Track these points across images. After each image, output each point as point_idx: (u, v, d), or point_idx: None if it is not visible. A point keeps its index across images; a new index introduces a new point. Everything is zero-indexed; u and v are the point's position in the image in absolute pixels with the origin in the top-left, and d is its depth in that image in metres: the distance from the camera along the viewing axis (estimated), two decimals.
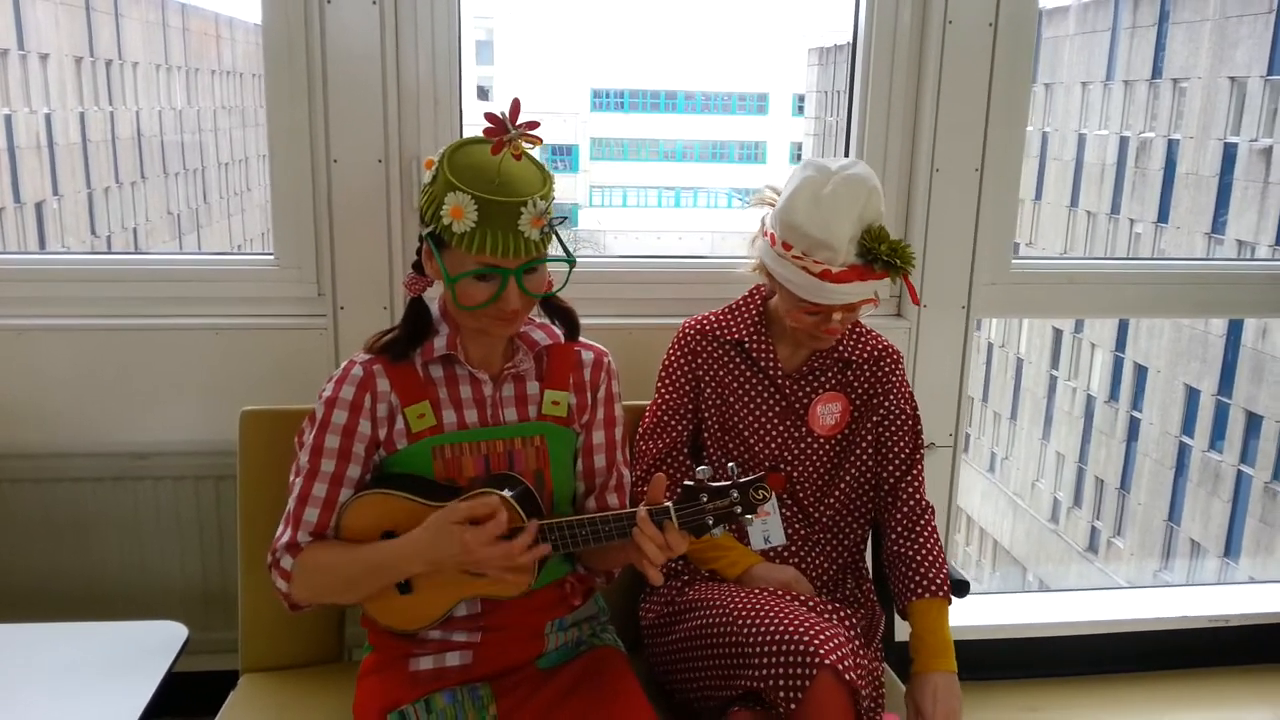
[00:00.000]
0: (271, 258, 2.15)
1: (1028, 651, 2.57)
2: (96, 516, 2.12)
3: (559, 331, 1.56)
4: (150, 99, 20.61)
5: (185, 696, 1.58)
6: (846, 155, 2.30)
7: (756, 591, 1.58)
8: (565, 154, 28.02)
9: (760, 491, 1.30)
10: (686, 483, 1.31)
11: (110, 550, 2.14)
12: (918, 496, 1.80)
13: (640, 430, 1.79)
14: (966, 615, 2.53)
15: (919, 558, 1.73)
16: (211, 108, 22.32)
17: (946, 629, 1.70)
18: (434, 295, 1.52)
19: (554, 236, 1.42)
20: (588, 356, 1.58)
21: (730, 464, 1.33)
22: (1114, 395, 16.73)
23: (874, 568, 1.90)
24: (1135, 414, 16.24)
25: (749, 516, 1.32)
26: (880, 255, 1.61)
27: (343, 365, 1.48)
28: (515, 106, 1.37)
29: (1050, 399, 18.35)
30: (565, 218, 1.41)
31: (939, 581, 1.71)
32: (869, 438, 1.79)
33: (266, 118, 2.06)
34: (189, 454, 2.11)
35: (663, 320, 2.08)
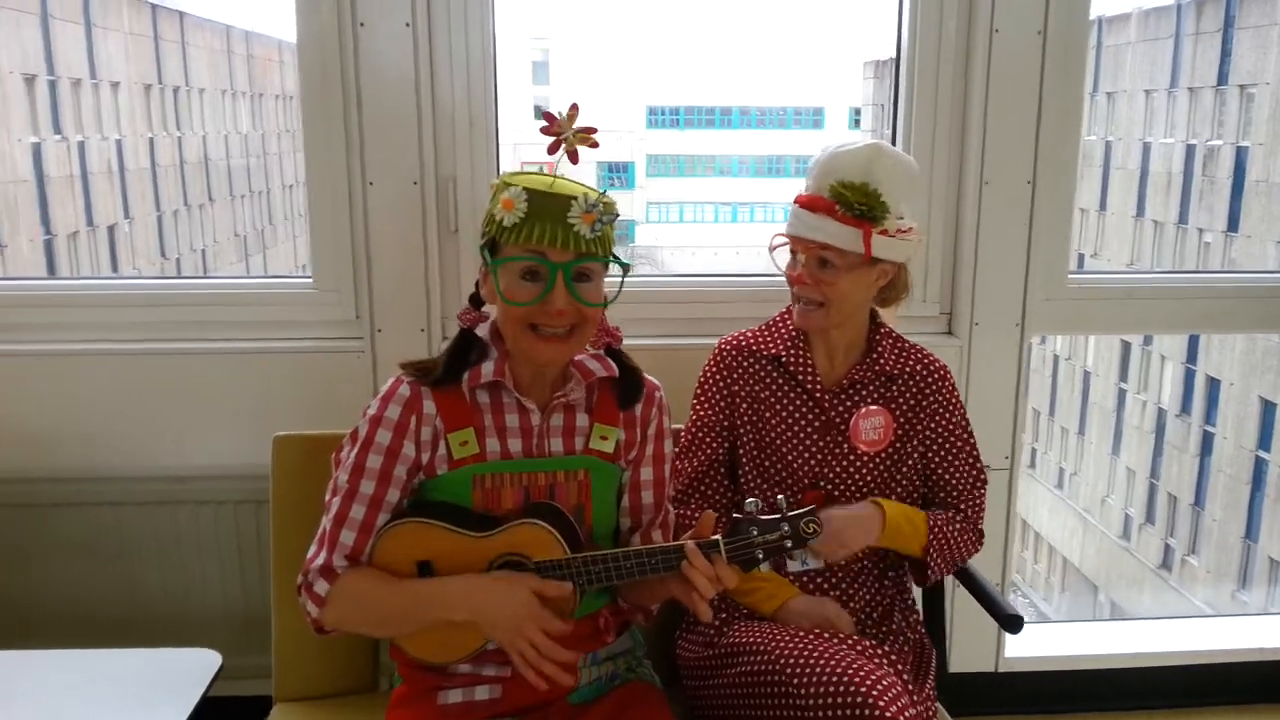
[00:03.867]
0: (310, 281, 2.14)
1: (1101, 683, 2.46)
2: (137, 540, 2.13)
3: (614, 365, 1.49)
4: (216, 124, 21.14)
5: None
6: None
7: (803, 634, 1.50)
8: (621, 171, 28.11)
9: (811, 525, 1.27)
10: (735, 515, 1.27)
11: (150, 574, 2.15)
12: (974, 520, 1.73)
13: (677, 449, 1.74)
14: (1036, 645, 2.43)
15: (941, 521, 1.69)
16: (275, 131, 22.82)
17: (904, 526, 1.65)
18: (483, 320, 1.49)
19: (609, 242, 1.40)
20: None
21: (780, 495, 1.29)
22: (1186, 409, 16.26)
23: (924, 601, 1.82)
24: (1209, 428, 15.77)
25: (798, 551, 1.27)
26: (840, 192, 1.60)
27: (389, 383, 1.44)
28: (574, 110, 1.39)
29: (1119, 413, 17.90)
30: (619, 216, 1.40)
31: (938, 543, 1.67)
32: (915, 455, 1.73)
33: (304, 141, 2.06)
34: (228, 478, 2.11)
35: (709, 340, 2.04)
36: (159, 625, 2.16)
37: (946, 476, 1.73)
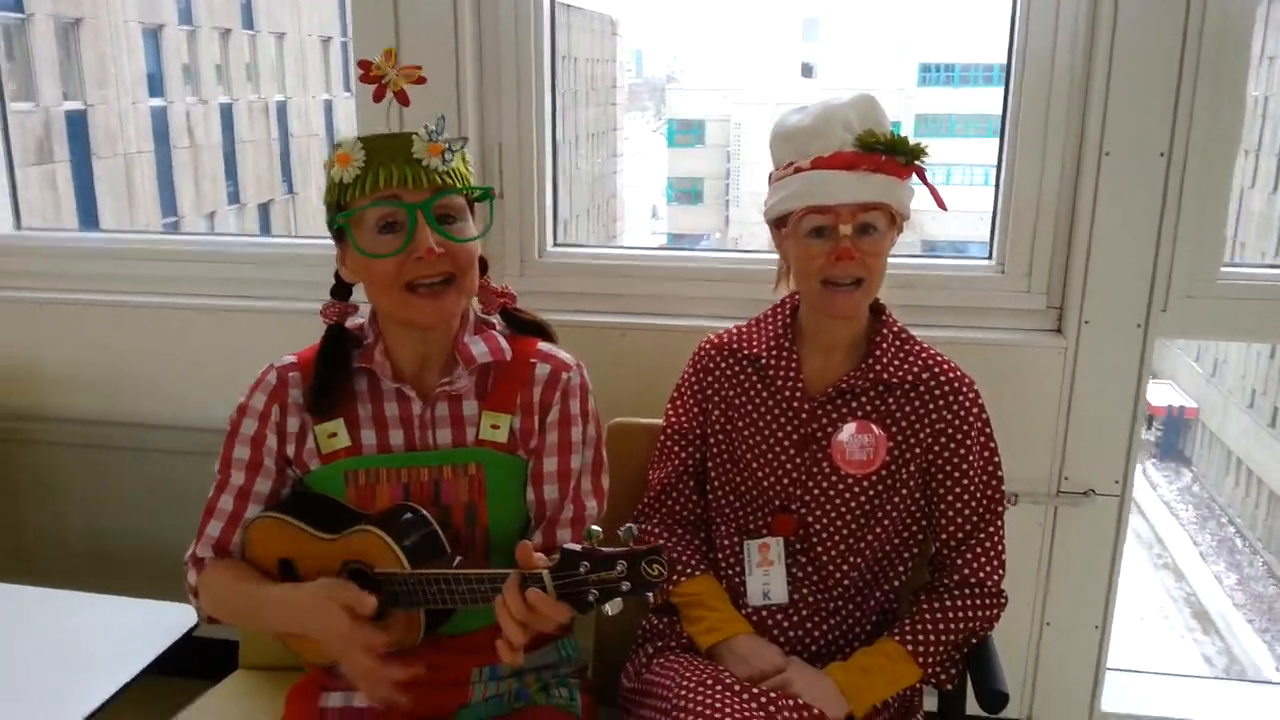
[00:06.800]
0: None
1: None
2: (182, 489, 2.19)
3: (505, 347, 1.35)
4: None
5: (197, 659, 1.58)
6: (1001, 135, 1.93)
7: (720, 688, 1.27)
8: None
9: (655, 567, 1.03)
10: (566, 546, 1.07)
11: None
12: (980, 575, 1.42)
13: (651, 457, 1.56)
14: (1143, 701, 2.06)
15: (926, 614, 1.41)
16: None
17: (882, 678, 1.37)
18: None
19: (465, 174, 1.28)
20: (542, 371, 1.35)
21: (629, 525, 1.06)
22: None
23: None
24: None
25: (649, 595, 1.05)
26: (879, 141, 1.35)
27: (263, 369, 1.37)
28: (386, 53, 1.28)
29: None
30: (467, 138, 1.28)
31: (926, 649, 1.38)
32: (912, 484, 1.44)
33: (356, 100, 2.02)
34: None
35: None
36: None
37: (950, 515, 1.43)
